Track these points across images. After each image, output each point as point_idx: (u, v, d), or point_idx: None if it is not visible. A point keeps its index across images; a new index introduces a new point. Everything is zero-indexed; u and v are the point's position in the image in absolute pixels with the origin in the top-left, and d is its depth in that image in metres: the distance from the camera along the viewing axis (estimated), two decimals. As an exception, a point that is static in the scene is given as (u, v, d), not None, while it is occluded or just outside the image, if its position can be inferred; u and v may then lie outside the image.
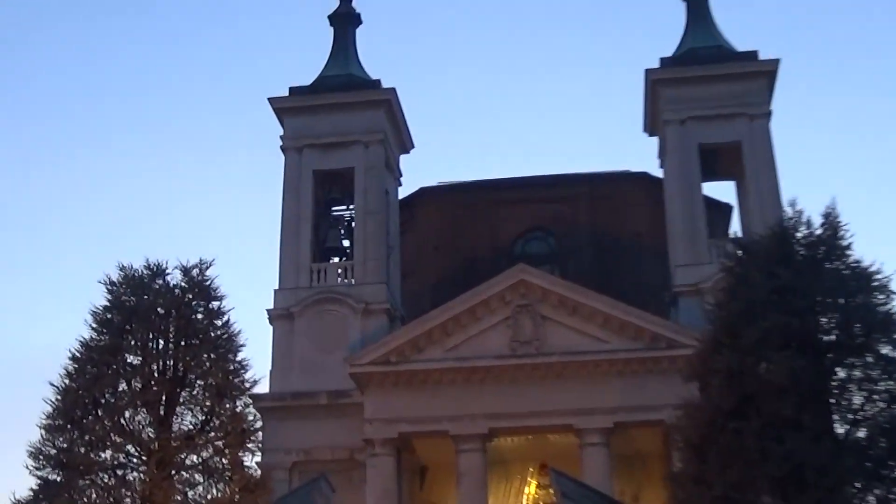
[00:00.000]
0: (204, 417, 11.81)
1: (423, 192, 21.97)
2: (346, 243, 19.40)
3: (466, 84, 43.73)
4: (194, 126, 42.23)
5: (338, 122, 18.76)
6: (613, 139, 40.70)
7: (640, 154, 45.26)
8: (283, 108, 18.76)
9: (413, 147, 21.39)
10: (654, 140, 19.14)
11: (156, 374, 11.73)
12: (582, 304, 15.28)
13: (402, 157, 20.91)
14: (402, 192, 21.13)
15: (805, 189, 19.77)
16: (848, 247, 9.42)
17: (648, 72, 17.76)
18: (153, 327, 11.79)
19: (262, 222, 46.14)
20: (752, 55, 17.68)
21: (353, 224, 19.10)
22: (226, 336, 12.09)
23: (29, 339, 36.22)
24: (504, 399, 15.01)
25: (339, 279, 18.23)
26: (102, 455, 11.22)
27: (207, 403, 11.68)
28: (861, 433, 8.82)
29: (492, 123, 44.32)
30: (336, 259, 19.42)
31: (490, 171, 42.24)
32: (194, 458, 11.61)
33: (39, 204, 38.44)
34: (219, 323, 12.11)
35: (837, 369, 9.02)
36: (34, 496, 10.92)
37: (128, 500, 10.89)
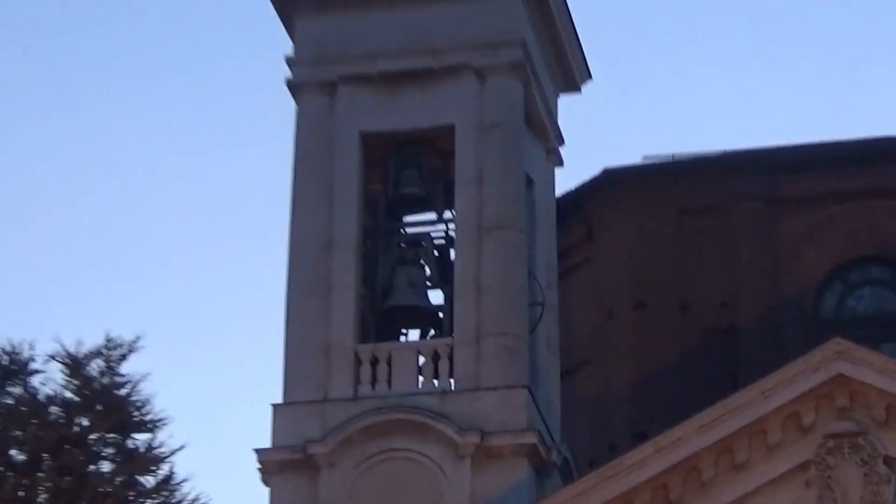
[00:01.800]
0: None
1: (611, 181, 19.90)
2: (432, 296, 16.15)
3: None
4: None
5: (417, 24, 15.98)
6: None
7: None
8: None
9: (589, 78, 18.10)
10: None
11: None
12: None
13: (565, 105, 18.30)
14: (566, 181, 19.00)
15: None
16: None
17: None
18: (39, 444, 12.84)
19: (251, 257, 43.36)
20: None
21: (453, 250, 15.75)
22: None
23: None
24: None
25: (421, 379, 15.05)
26: None
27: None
28: None
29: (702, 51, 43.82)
30: (411, 333, 16.46)
31: (726, 137, 40.76)
32: None
33: None
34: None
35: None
36: None
37: None
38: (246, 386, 39.77)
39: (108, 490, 13.04)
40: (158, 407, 13.97)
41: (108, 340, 15.52)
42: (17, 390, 14.04)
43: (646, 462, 12.86)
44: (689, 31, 47.15)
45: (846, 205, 18.55)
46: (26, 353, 13.93)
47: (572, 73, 17.26)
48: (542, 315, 15.71)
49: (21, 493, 12.56)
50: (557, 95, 17.72)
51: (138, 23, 46.03)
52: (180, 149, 45.36)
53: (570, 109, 18.46)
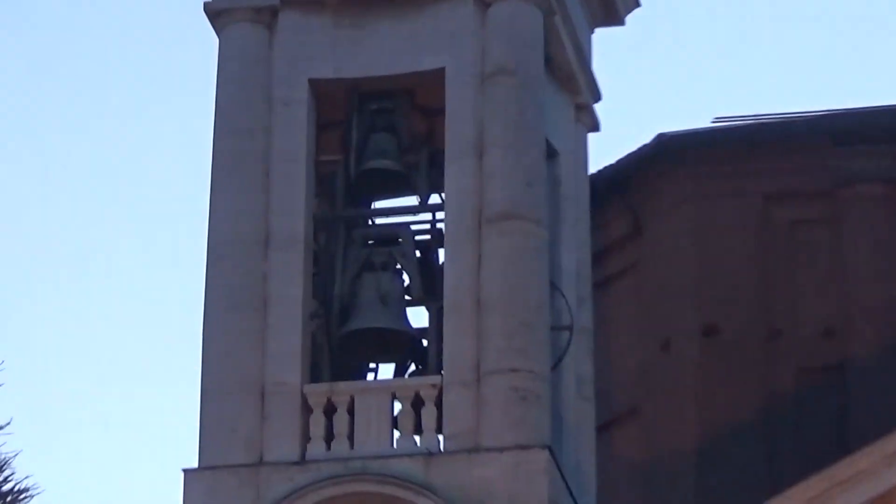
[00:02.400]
0: None
1: (668, 152, 19.87)
2: (411, 315, 16.19)
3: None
4: None
5: None
6: None
7: None
8: None
9: (637, 6, 18.35)
10: None
11: None
12: None
13: (603, 43, 18.65)
14: (604, 152, 19.43)
15: None
16: None
17: None
18: None
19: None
20: None
21: (442, 250, 15.74)
22: None
23: None
24: None
25: (397, 435, 15.01)
26: None
27: None
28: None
29: None
30: (382, 368, 16.35)
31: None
32: None
33: None
34: None
35: None
36: None
37: None
38: (150, 444, 39.93)
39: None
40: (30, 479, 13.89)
41: None
42: None
43: None
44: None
45: None
46: None
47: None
48: (569, 343, 15.55)
49: None
50: (592, 30, 17.63)
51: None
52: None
53: (609, 50, 18.41)
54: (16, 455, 12.81)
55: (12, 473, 13.38)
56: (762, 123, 20.00)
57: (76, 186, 46.37)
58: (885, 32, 45.33)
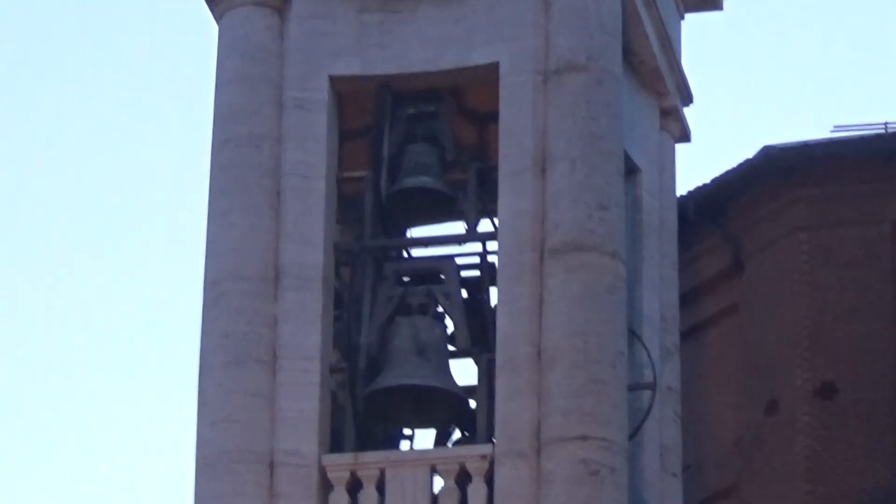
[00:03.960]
0: None
1: (777, 168, 20.19)
2: (456, 369, 16.28)
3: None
4: None
5: None
6: None
7: None
8: None
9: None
10: None
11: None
12: None
13: (695, 35, 19.95)
14: (697, 169, 20.24)
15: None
16: None
17: None
18: None
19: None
20: None
21: (494, 290, 15.78)
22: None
23: None
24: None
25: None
26: None
27: None
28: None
29: None
30: (419, 434, 16.86)
31: None
32: None
33: None
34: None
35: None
36: None
37: None
38: None
39: None
40: None
41: None
42: None
43: None
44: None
45: None
46: None
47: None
48: (651, 406, 15.44)
49: None
50: (682, 17, 17.54)
51: None
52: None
53: (704, 41, 18.80)
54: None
55: None
56: (893, 134, 19.73)
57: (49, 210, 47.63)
58: None
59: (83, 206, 46.58)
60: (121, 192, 46.01)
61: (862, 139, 20.45)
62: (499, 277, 15.36)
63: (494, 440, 14.60)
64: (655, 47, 16.66)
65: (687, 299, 17.70)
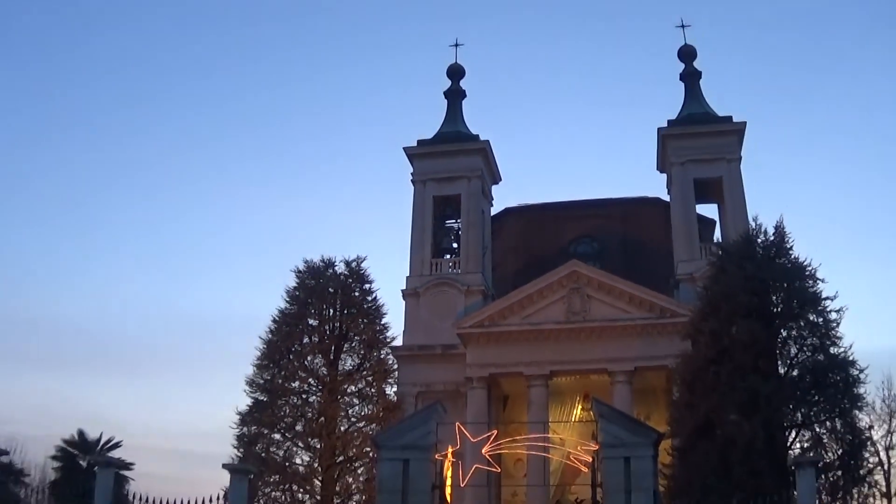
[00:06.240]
0: (360, 361, 45.00)
1: (508, 211, 69.51)
2: (455, 245, 62.40)
3: (541, 132, 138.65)
4: (353, 168, 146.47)
5: (449, 163, 61.88)
6: (635, 174, 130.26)
7: (655, 185, 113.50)
8: (413, 154, 61.44)
9: (501, 180, 66.59)
10: (664, 176, 64.22)
11: (328, 333, 44.87)
12: (615, 287, 54.39)
13: (494, 188, 66.17)
14: (494, 210, 66.33)
15: (765, 209, 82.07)
16: (790, 248, 37.45)
17: (660, 129, 62.69)
18: (326, 301, 44.29)
19: (398, 232, 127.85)
20: (728, 119, 61.13)
21: (460, 233, 60.81)
22: (374, 307, 45.52)
23: (235, 309, 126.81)
24: (561, 351, 54.61)
25: (450, 269, 59.05)
26: (293, 384, 43.67)
27: (362, 352, 44.70)
28: (794, 373, 34.82)
29: (556, 163, 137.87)
30: (448, 256, 61.06)
31: (555, 195, 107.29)
32: (353, 388, 44.44)
33: (256, 220, 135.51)
34: (370, 298, 45.67)
35: (782, 331, 35.09)
36: (249, 410, 42.94)
37: (309, 414, 42.43)
38: (396, 270, 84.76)
39: None
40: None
41: None
42: (329, 272, 47.57)
43: (509, 299, 56.48)
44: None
45: (578, 219, 68.61)
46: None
47: (496, 177, 59.13)
48: (486, 251, 58.94)
49: None
50: (492, 184, 64.12)
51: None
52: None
53: (496, 189, 67.76)
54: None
55: None
56: (538, 204, 56.25)
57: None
58: None
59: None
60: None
61: None
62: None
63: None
64: None
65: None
